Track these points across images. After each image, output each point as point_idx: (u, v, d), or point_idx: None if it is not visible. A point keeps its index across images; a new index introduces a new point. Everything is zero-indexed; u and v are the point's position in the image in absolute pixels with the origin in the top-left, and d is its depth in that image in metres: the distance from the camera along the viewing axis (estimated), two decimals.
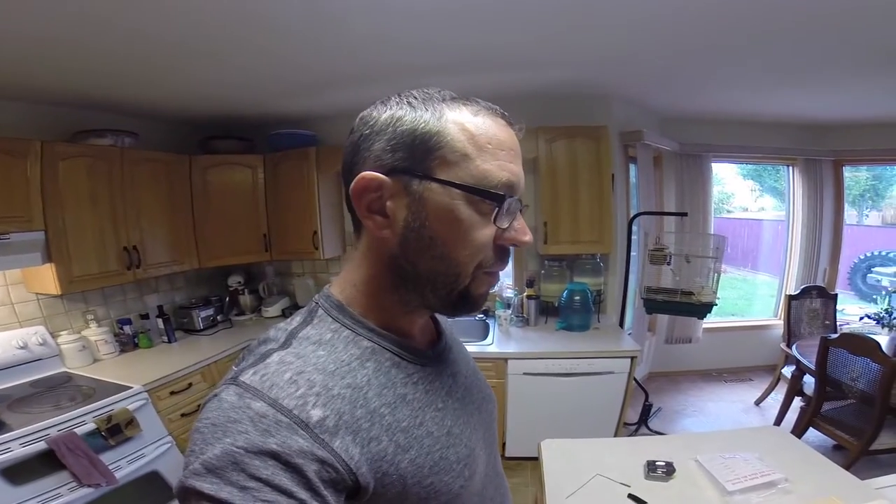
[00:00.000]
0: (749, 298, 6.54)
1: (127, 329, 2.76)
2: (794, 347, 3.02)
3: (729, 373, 4.11)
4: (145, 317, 2.90)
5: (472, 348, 2.65)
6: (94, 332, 2.58)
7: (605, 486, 1.41)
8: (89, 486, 1.83)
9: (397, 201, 0.52)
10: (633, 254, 3.07)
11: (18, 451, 1.71)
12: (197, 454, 0.42)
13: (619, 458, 1.55)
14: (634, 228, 3.06)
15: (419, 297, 0.56)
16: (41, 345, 2.35)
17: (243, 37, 1.78)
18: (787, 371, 3.19)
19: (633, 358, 2.51)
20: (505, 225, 0.53)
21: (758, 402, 3.54)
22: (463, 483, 0.56)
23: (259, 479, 0.40)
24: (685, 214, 2.91)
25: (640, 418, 3.08)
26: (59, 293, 2.33)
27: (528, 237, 0.55)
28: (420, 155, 0.50)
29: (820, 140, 3.82)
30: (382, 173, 0.51)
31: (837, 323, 3.50)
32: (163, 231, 2.84)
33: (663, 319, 3.83)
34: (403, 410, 0.53)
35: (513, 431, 2.64)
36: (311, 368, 0.49)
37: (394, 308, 0.57)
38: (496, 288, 3.22)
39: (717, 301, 2.66)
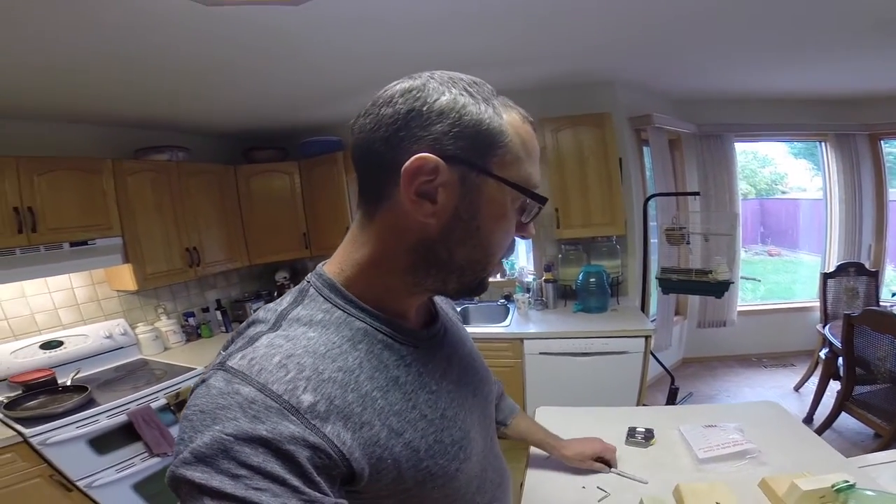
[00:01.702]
0: (801, 281, 6.22)
1: (191, 321, 3.18)
2: (826, 328, 2.95)
3: (769, 358, 4.00)
4: (206, 310, 3.32)
5: (489, 330, 2.83)
6: (165, 324, 3.01)
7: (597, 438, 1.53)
8: (158, 455, 2.21)
9: (450, 189, 0.50)
10: (653, 239, 3.12)
11: (104, 423, 2.10)
12: (186, 442, 0.42)
13: (606, 425, 1.64)
14: (652, 212, 3.10)
15: (439, 283, 0.56)
16: (123, 335, 2.78)
17: (279, 54, 2.03)
18: (824, 354, 3.12)
19: (647, 337, 2.58)
20: (526, 220, 0.57)
21: (797, 388, 3.45)
22: (459, 465, 0.56)
23: (250, 467, 0.40)
24: (697, 194, 2.91)
25: (667, 402, 3.13)
26: (136, 289, 2.75)
27: (534, 231, 0.60)
28: (483, 149, 0.50)
29: (852, 114, 3.64)
30: (443, 159, 0.49)
31: (882, 302, 3.34)
32: (217, 233, 3.22)
33: (694, 302, 3.81)
34: (396, 394, 0.52)
35: (531, 411, 2.79)
36: (301, 351, 0.49)
37: (399, 289, 0.57)
38: (515, 273, 3.37)
39: (732, 279, 2.66)
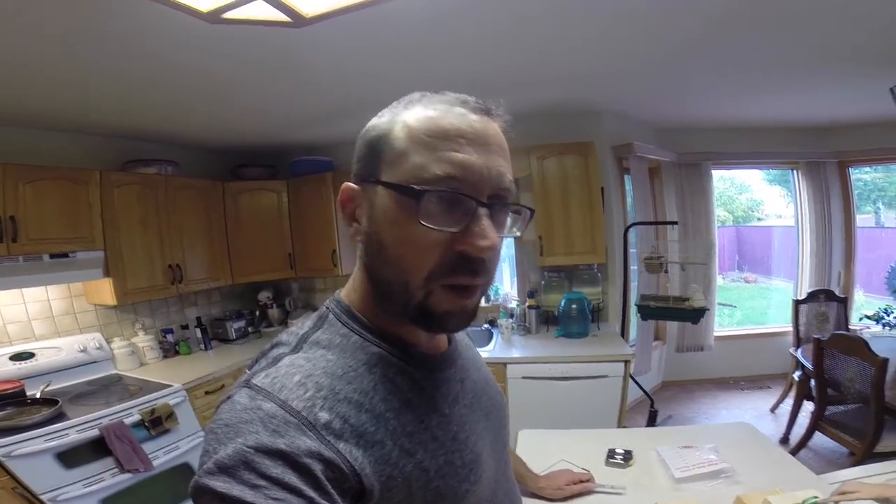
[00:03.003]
0: (775, 306, 6.40)
1: (170, 337, 3.12)
2: (798, 351, 3.05)
3: (746, 380, 4.10)
4: (185, 327, 3.27)
5: None
6: (142, 340, 2.95)
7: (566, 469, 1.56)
8: (129, 471, 2.14)
9: (361, 208, 0.54)
10: (633, 266, 3.20)
11: (74, 437, 2.03)
12: (210, 454, 0.44)
13: (586, 447, 1.67)
14: (633, 240, 3.20)
15: (399, 310, 0.54)
16: (98, 349, 2.72)
17: (278, 73, 2.09)
18: (797, 376, 3.20)
19: (626, 362, 2.63)
20: (454, 228, 0.49)
21: (773, 409, 3.54)
22: (469, 487, 0.57)
23: (269, 478, 0.42)
24: (675, 223, 3.02)
25: (647, 424, 3.16)
26: (115, 304, 2.71)
27: (483, 242, 0.48)
28: (371, 160, 0.52)
29: (822, 142, 3.84)
30: (355, 183, 0.54)
31: (851, 326, 3.48)
32: (201, 250, 3.20)
33: (672, 328, 3.89)
34: (408, 415, 0.54)
35: (514, 434, 2.80)
36: (319, 372, 0.51)
37: (384, 315, 0.58)
38: (500, 300, 3.41)
39: (707, 306, 2.74)
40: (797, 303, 3.46)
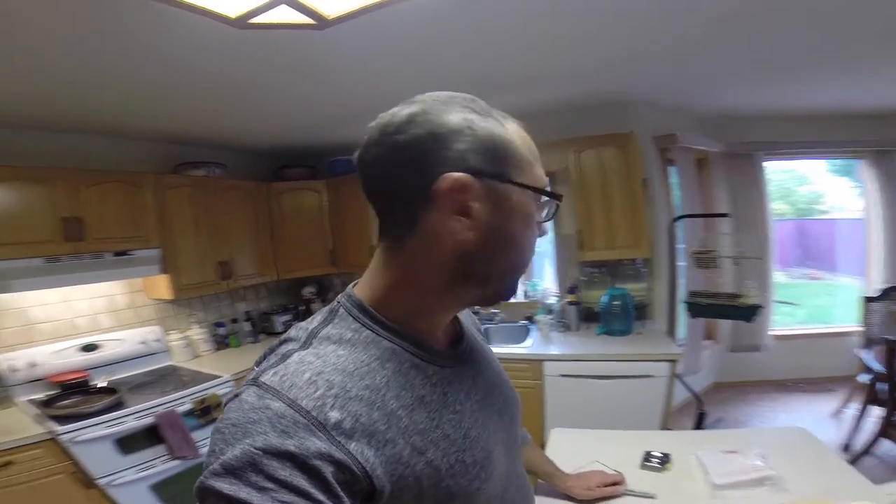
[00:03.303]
0: (840, 304, 5.90)
1: (221, 330, 3.29)
2: (865, 352, 2.81)
3: (807, 383, 3.82)
4: (235, 321, 3.43)
5: (508, 350, 2.81)
6: (196, 333, 3.12)
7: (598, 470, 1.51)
8: (178, 458, 2.27)
9: (481, 202, 0.53)
10: (681, 261, 3.05)
11: (131, 424, 2.18)
12: (217, 455, 0.43)
13: (621, 448, 1.61)
14: (681, 234, 3.05)
15: (479, 292, 0.58)
16: (156, 341, 2.91)
17: (305, 76, 2.14)
18: (865, 378, 2.96)
19: (672, 361, 2.52)
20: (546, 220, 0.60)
21: (836, 414, 3.28)
22: (479, 485, 0.56)
23: (277, 480, 0.41)
24: (726, 216, 2.84)
25: (693, 427, 3.02)
26: (171, 299, 2.89)
27: (548, 230, 0.63)
28: (499, 160, 0.53)
29: (891, 129, 3.48)
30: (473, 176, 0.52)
31: None
32: (248, 248, 3.35)
33: (725, 326, 3.68)
34: (421, 412, 0.53)
35: (549, 432, 2.75)
36: (330, 369, 0.50)
37: (432, 308, 0.58)
38: (538, 296, 3.35)
39: (762, 303, 2.57)
40: (868, 300, 3.18)
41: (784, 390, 3.78)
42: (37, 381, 2.36)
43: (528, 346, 2.84)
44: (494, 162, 0.53)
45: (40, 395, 2.30)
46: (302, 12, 1.48)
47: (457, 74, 2.22)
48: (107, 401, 2.21)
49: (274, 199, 3.52)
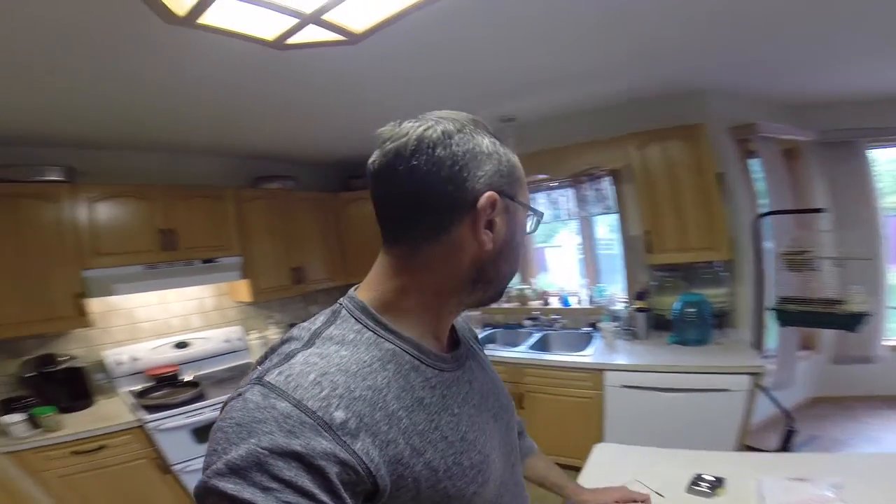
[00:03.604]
0: None
1: None
2: None
3: None
4: None
5: (566, 358, 2.70)
6: (273, 333, 3.37)
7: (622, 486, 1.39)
8: None
9: (502, 218, 0.59)
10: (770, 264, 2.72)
11: (208, 415, 2.42)
12: (220, 454, 0.43)
13: (669, 469, 1.48)
14: (769, 233, 2.72)
15: (480, 294, 0.62)
16: (238, 340, 3.19)
17: (342, 92, 2.24)
18: None
19: (754, 374, 2.24)
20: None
21: None
22: (476, 489, 0.57)
23: (282, 481, 0.41)
24: (822, 210, 2.47)
25: (779, 446, 2.65)
26: (251, 301, 3.15)
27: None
28: (514, 181, 0.60)
29: None
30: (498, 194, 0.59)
31: None
32: (319, 254, 3.57)
33: (828, 335, 3.19)
34: (420, 414, 0.54)
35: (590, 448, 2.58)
36: (334, 369, 0.51)
37: (440, 311, 0.62)
38: (604, 302, 3.16)
39: (869, 310, 2.21)
40: None
41: None
42: (137, 374, 2.69)
43: (589, 355, 2.69)
44: (511, 183, 0.60)
45: (137, 387, 2.62)
46: (330, 30, 1.55)
47: (510, 70, 2.17)
48: (190, 393, 2.47)
49: (342, 207, 3.72)
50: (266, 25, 1.49)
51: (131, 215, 2.61)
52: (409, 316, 0.59)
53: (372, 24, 1.53)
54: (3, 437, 2.05)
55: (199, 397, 2.49)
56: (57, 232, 2.35)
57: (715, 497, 1.31)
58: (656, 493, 1.36)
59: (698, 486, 1.35)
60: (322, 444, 0.44)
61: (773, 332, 2.89)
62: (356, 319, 0.58)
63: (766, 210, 2.75)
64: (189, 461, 2.35)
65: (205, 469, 0.44)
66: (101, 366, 2.65)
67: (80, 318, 2.41)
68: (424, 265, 0.58)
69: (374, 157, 0.58)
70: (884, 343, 3.13)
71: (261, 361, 0.56)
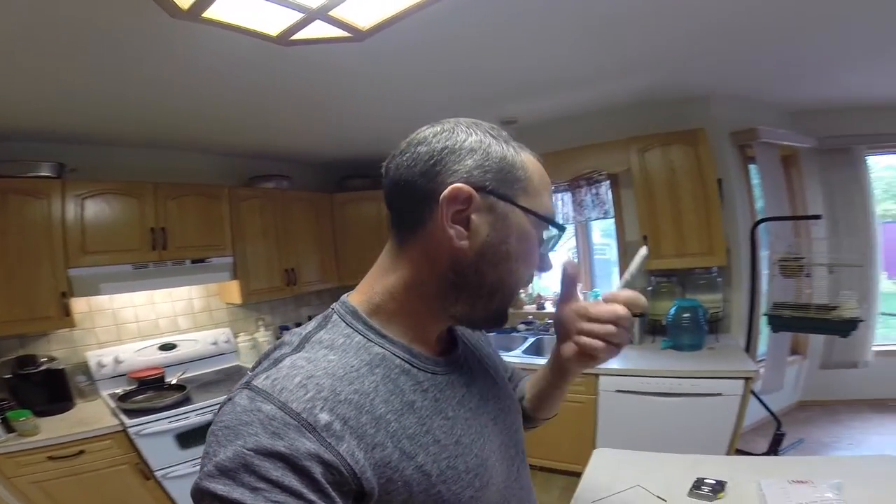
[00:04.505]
0: None
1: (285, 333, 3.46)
2: None
3: None
4: (299, 324, 3.56)
5: None
6: (262, 335, 3.31)
7: (640, 497, 1.38)
8: None
9: (482, 216, 0.55)
10: (764, 270, 2.74)
11: (193, 420, 2.34)
12: (210, 456, 0.45)
13: (670, 473, 1.47)
14: (765, 239, 2.74)
15: (467, 308, 0.59)
16: (226, 342, 3.12)
17: (348, 89, 2.21)
18: None
19: (747, 379, 2.25)
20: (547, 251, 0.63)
21: None
22: (473, 494, 0.56)
23: (269, 481, 0.42)
24: (818, 217, 2.50)
25: (767, 449, 2.67)
26: (241, 303, 3.09)
27: (550, 270, 0.65)
28: (508, 181, 0.56)
29: None
30: (473, 188, 0.55)
31: None
32: (313, 255, 3.51)
33: (817, 341, 3.23)
34: (410, 418, 0.54)
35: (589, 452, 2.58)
36: (321, 373, 0.51)
37: (425, 315, 0.60)
38: None
39: (861, 316, 2.23)
40: None
41: (882, 410, 3.24)
42: (120, 377, 2.61)
43: None
44: (501, 182, 0.56)
45: (119, 390, 2.52)
46: (336, 26, 1.53)
47: (510, 70, 2.15)
48: (175, 397, 2.40)
49: (337, 208, 3.67)
50: (271, 20, 1.46)
51: (121, 213, 2.54)
52: (397, 319, 0.59)
53: (379, 20, 1.51)
54: None
55: (185, 401, 2.42)
56: (44, 228, 2.28)
57: (717, 500, 1.31)
58: (658, 497, 1.35)
59: (700, 489, 1.35)
60: (306, 444, 0.44)
61: (764, 337, 2.91)
62: (346, 324, 0.58)
63: (763, 216, 2.77)
64: (172, 467, 2.27)
65: (199, 472, 0.45)
66: (83, 368, 2.56)
67: (64, 318, 2.33)
68: (408, 261, 0.58)
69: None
70: (873, 349, 3.17)
71: (254, 367, 0.57)
